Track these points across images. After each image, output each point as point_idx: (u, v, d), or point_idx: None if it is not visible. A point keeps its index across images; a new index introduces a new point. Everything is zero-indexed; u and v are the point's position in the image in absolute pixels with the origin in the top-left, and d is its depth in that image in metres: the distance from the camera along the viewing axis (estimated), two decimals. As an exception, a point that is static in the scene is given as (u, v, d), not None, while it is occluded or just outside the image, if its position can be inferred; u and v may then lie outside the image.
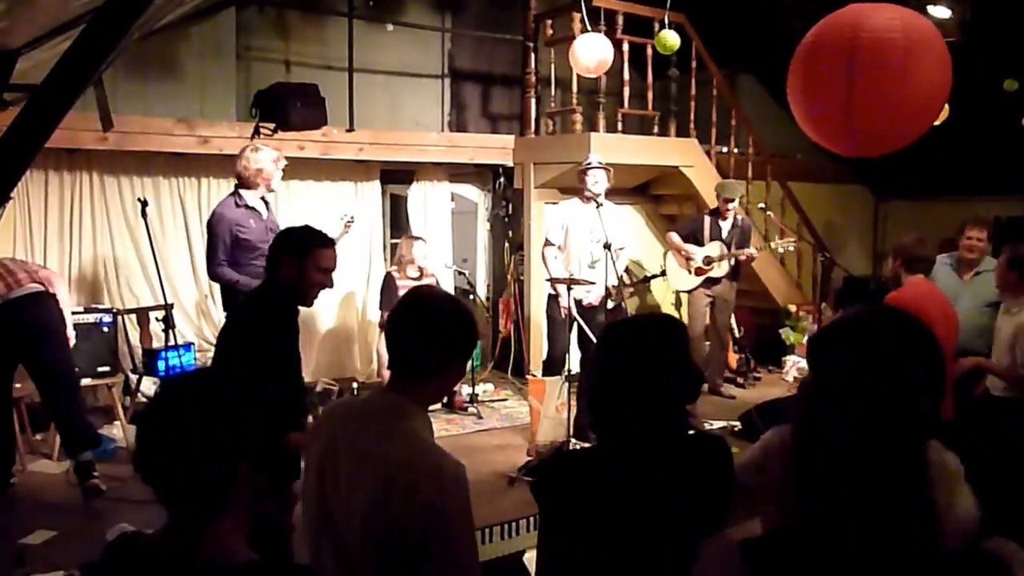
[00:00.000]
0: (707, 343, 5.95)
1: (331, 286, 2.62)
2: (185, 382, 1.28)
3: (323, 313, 6.30)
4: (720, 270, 5.70)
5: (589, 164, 4.83)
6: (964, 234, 4.26)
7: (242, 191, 4.20)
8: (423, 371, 1.62)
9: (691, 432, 1.62)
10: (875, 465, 1.11)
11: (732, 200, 5.66)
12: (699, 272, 5.74)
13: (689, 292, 5.87)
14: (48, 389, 4.05)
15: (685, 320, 5.66)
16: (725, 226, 5.79)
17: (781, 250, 5.93)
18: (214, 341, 5.02)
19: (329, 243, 2.63)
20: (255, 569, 1.17)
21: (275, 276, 2.57)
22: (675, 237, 5.87)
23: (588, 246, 4.84)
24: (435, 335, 1.61)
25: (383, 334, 5.33)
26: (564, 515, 1.56)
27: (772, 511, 1.58)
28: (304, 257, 2.52)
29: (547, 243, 5.03)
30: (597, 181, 4.76)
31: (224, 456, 1.16)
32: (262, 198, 4.27)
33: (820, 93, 2.67)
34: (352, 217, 5.06)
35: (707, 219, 5.79)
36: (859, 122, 2.62)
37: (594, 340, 4.76)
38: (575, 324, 4.75)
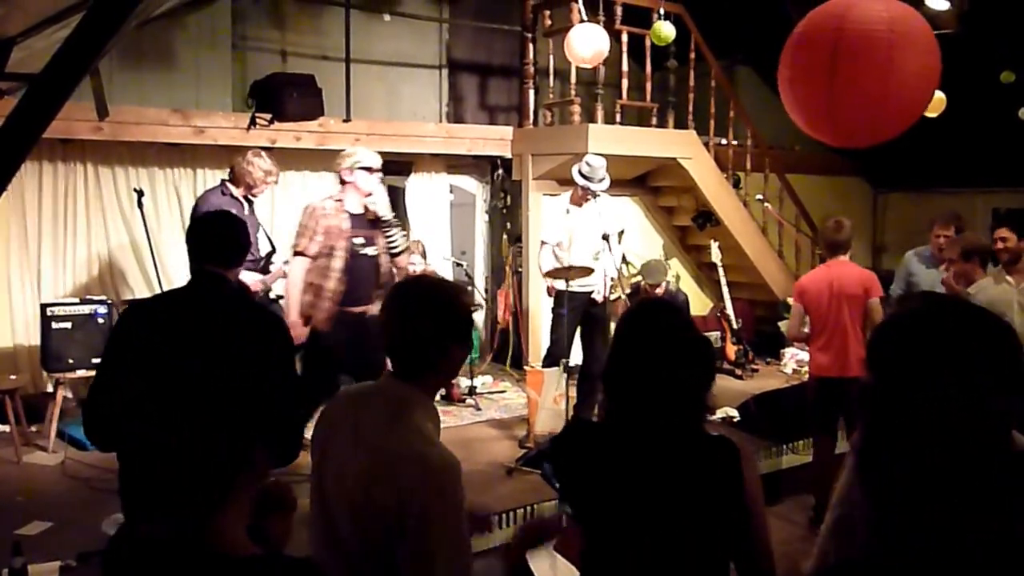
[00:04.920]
0: None
1: None
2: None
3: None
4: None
5: (590, 186, 4.61)
6: (932, 232, 4.81)
7: (229, 184, 4.44)
8: (422, 364, 1.60)
9: (706, 431, 1.62)
10: (949, 480, 1.02)
11: (657, 286, 5.70)
12: None
13: None
14: None
15: None
16: None
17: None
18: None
19: None
20: (258, 563, 1.11)
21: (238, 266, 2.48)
22: None
23: (593, 244, 4.78)
24: (427, 329, 1.58)
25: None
26: (572, 481, 1.62)
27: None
28: None
29: (544, 243, 4.92)
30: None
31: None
32: (245, 197, 4.48)
33: (805, 83, 2.69)
34: None
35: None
36: (841, 114, 2.63)
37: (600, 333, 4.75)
38: (578, 318, 4.72)
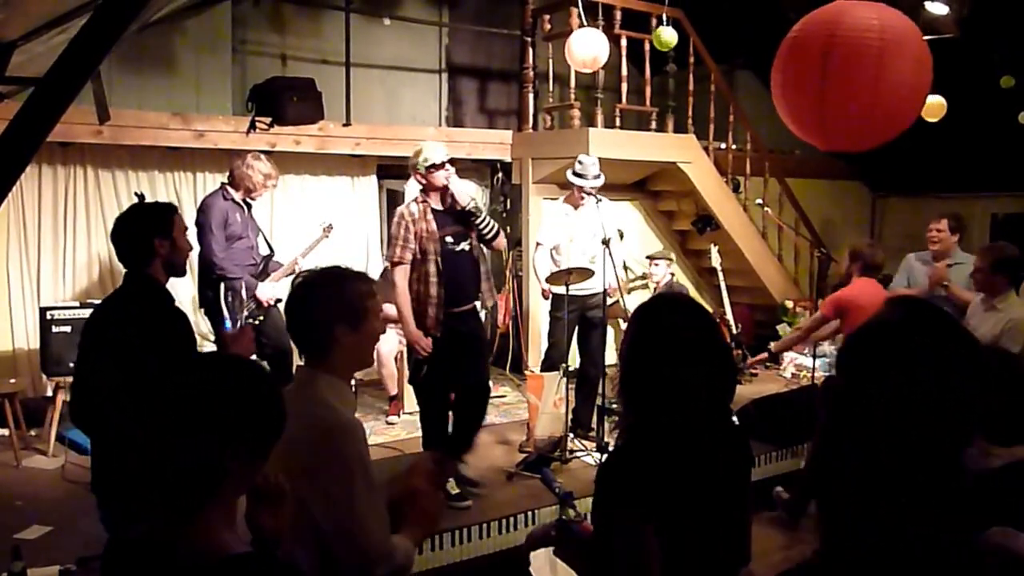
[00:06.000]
0: None
1: (192, 247, 2.84)
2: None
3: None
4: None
5: (584, 185, 4.63)
6: (928, 228, 4.72)
7: (230, 188, 4.47)
8: (315, 348, 1.76)
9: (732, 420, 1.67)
10: (896, 478, 1.03)
11: (655, 260, 5.73)
12: None
13: None
14: None
15: None
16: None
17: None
18: (211, 336, 5.00)
19: (173, 207, 2.79)
20: (243, 563, 1.13)
21: (146, 267, 2.60)
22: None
23: (591, 247, 4.78)
24: (312, 313, 1.75)
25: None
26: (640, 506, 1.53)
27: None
28: (171, 229, 2.64)
29: (539, 244, 4.93)
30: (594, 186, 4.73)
31: (213, 442, 1.12)
32: (244, 200, 4.50)
33: (797, 88, 2.71)
34: (331, 224, 5.09)
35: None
36: (831, 120, 2.65)
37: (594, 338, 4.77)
38: (576, 321, 4.73)
